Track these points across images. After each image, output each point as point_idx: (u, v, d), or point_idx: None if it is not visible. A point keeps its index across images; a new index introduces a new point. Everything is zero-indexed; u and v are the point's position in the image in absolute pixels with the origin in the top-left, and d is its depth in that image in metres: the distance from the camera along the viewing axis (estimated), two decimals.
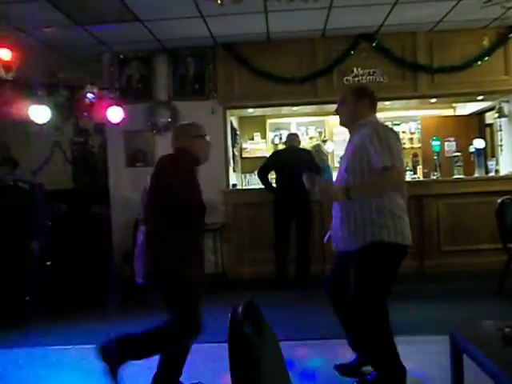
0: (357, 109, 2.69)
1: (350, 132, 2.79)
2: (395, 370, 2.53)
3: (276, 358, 1.24)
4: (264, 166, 5.26)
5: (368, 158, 2.49)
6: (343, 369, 2.83)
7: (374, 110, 2.74)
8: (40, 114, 4.77)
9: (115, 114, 5.23)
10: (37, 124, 4.78)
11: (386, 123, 7.90)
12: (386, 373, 2.54)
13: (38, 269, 4.51)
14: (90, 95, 5.00)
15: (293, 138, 5.41)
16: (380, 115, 7.95)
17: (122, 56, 5.69)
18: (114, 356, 2.45)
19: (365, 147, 2.50)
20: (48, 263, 4.82)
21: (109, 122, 5.29)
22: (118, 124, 5.32)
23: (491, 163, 5.80)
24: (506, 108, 5.83)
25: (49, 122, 4.94)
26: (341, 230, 2.61)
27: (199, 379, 2.83)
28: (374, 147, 2.46)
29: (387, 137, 2.48)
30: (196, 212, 2.47)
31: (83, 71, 6.03)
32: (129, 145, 5.73)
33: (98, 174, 6.05)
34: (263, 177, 5.21)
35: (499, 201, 4.48)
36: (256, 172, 5.43)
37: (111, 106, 5.22)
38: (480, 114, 6.91)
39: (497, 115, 5.92)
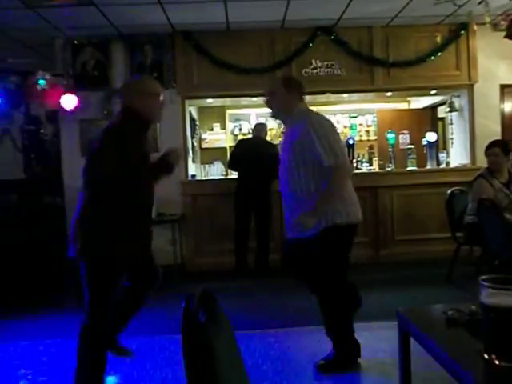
0: (287, 100, 2.73)
1: (284, 124, 2.86)
2: (351, 343, 2.74)
3: (231, 347, 1.24)
4: (233, 157, 5.26)
5: (310, 152, 2.57)
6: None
7: (302, 99, 2.79)
8: None
9: (69, 101, 5.07)
10: None
11: (344, 116, 8.06)
12: (341, 346, 2.72)
13: None
14: (41, 82, 4.82)
15: (259, 128, 5.42)
16: (338, 107, 8.13)
17: (75, 41, 5.48)
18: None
19: (304, 143, 2.58)
20: None
21: (62, 109, 5.12)
22: (71, 112, 5.16)
23: (442, 155, 6.04)
24: (457, 102, 6.07)
25: None
26: (293, 219, 2.66)
27: (154, 370, 2.82)
28: (313, 144, 2.54)
29: (324, 131, 2.57)
30: (125, 187, 2.29)
31: (35, 56, 5.79)
32: (84, 133, 5.55)
33: (51, 164, 5.84)
34: (236, 166, 5.23)
35: (449, 192, 4.67)
36: (218, 165, 5.44)
37: (64, 93, 5.05)
38: (433, 107, 7.16)
39: (448, 109, 6.15)
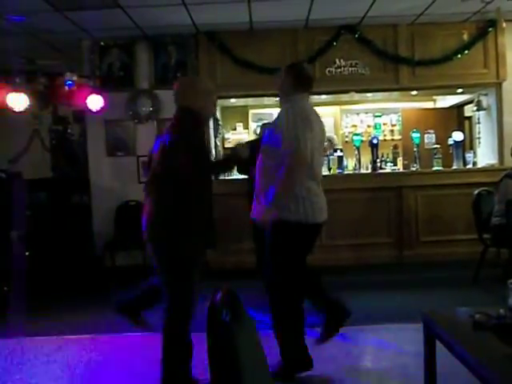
0: (282, 85, 2.76)
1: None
2: (295, 353, 2.64)
3: (255, 346, 1.25)
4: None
5: (274, 139, 2.60)
6: None
7: (300, 89, 2.73)
8: (18, 101, 4.68)
9: (95, 102, 5.16)
10: (15, 112, 4.69)
11: (368, 115, 7.97)
12: (285, 354, 2.64)
13: (16, 259, 4.44)
14: (69, 83, 4.92)
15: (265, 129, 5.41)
16: (362, 107, 8.05)
17: (102, 43, 5.59)
18: (130, 307, 2.62)
19: (275, 130, 2.62)
20: (27, 253, 4.75)
21: (89, 110, 5.22)
22: (98, 112, 5.26)
23: (469, 155, 5.91)
24: (484, 101, 5.93)
25: (27, 109, 4.85)
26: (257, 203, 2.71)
27: None
28: (277, 131, 2.57)
29: (290, 119, 2.56)
30: (200, 183, 2.45)
31: (62, 58, 5.91)
32: (109, 134, 5.66)
33: (78, 163, 5.97)
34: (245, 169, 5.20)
35: (476, 192, 4.58)
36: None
37: (91, 94, 5.15)
38: (459, 106, 7.02)
39: (475, 108, 6.02)
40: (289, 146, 2.49)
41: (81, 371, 2.97)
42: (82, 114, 5.70)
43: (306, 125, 2.56)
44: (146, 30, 5.43)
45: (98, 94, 5.21)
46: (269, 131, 2.71)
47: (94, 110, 5.19)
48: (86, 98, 5.12)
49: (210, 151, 2.65)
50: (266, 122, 6.00)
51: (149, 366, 2.88)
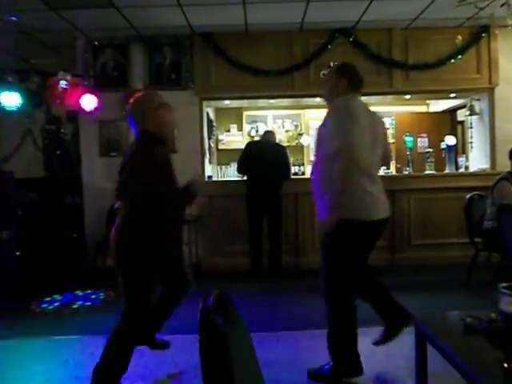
0: (333, 87, 2.72)
1: (327, 108, 2.80)
2: (347, 361, 2.61)
3: (247, 348, 1.25)
4: (242, 160, 5.24)
5: (328, 139, 2.55)
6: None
7: (353, 89, 2.71)
8: (11, 100, 4.65)
9: (89, 101, 5.14)
10: (7, 111, 4.65)
11: None
12: (339, 362, 2.60)
13: (7, 259, 4.40)
14: (62, 82, 4.90)
15: (269, 135, 5.44)
16: None
17: (96, 43, 5.57)
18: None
19: (327, 130, 2.57)
20: (18, 253, 4.72)
21: (82, 110, 5.19)
22: (91, 112, 5.24)
23: (461, 159, 5.95)
24: (477, 106, 5.98)
25: (20, 108, 4.82)
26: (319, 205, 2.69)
27: (172, 370, 2.84)
28: (327, 132, 2.53)
29: (341, 117, 2.52)
30: (162, 199, 2.39)
31: (56, 57, 5.89)
32: (103, 134, 5.63)
33: (71, 163, 5.93)
34: (245, 169, 5.22)
35: (468, 197, 4.61)
36: (235, 166, 5.44)
37: (85, 93, 5.13)
38: (452, 111, 7.07)
39: (468, 113, 6.06)
40: (339, 146, 2.45)
41: (73, 372, 2.94)
42: (76, 114, 5.67)
43: (354, 123, 2.51)
44: (140, 31, 5.42)
45: (91, 93, 5.19)
46: (321, 132, 2.65)
47: (88, 109, 5.17)
48: (79, 98, 5.09)
49: (172, 172, 2.48)
50: (268, 129, 6.03)
51: (144, 365, 2.87)
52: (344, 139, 2.44)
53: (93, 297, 4.53)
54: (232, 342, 1.06)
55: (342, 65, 2.95)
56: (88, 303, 4.36)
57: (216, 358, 1.02)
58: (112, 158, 5.63)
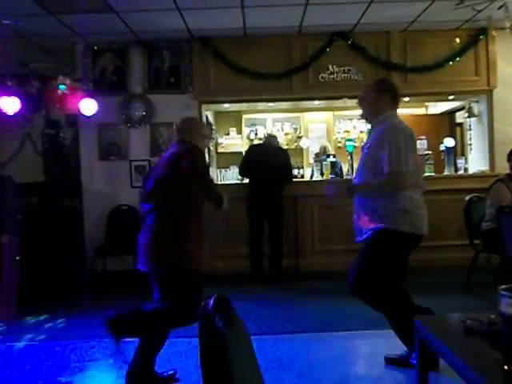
0: (377, 104, 2.71)
1: (371, 126, 2.83)
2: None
3: (247, 351, 1.25)
4: (245, 163, 5.24)
5: (378, 157, 2.58)
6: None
7: (395, 104, 2.75)
8: (10, 104, 4.65)
9: (88, 106, 5.15)
10: (7, 115, 4.66)
11: (361, 121, 7.99)
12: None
13: (7, 263, 4.40)
14: (62, 86, 4.91)
15: (272, 139, 5.46)
16: (354, 112, 8.07)
17: (95, 47, 5.58)
18: (119, 328, 2.58)
19: (377, 147, 2.59)
20: (18, 258, 4.71)
21: (81, 114, 5.20)
22: (90, 116, 5.25)
23: (460, 161, 5.96)
24: (475, 108, 5.99)
25: (19, 113, 4.82)
26: (357, 222, 2.76)
27: (173, 374, 2.83)
28: (383, 149, 2.54)
29: (396, 139, 2.55)
30: (203, 199, 2.71)
31: (55, 62, 5.90)
32: (102, 138, 5.64)
33: (70, 167, 5.93)
34: (248, 173, 5.23)
35: (467, 198, 4.61)
36: (234, 169, 5.44)
37: (84, 97, 5.14)
38: (451, 113, 7.08)
39: (467, 115, 6.08)
40: (396, 167, 2.52)
41: (75, 375, 2.94)
42: (75, 118, 5.67)
43: (411, 145, 2.61)
44: (139, 35, 5.43)
45: (90, 97, 5.20)
46: (372, 145, 2.67)
47: (87, 113, 5.18)
48: (78, 102, 5.10)
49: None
50: (270, 133, 6.04)
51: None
52: (398, 163, 2.51)
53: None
54: (232, 346, 1.06)
55: (381, 81, 2.98)
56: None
57: (216, 361, 1.02)
58: (111, 162, 5.65)
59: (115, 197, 5.57)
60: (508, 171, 4.23)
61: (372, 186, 2.65)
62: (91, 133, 5.61)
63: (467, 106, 6.06)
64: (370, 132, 2.86)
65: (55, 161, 5.82)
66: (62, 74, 5.06)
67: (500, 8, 4.47)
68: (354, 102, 6.72)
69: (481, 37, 5.59)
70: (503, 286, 1.06)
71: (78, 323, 3.96)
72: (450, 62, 5.57)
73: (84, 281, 5.00)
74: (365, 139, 6.89)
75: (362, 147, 2.93)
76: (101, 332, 3.58)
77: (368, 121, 2.85)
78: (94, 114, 5.23)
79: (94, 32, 5.25)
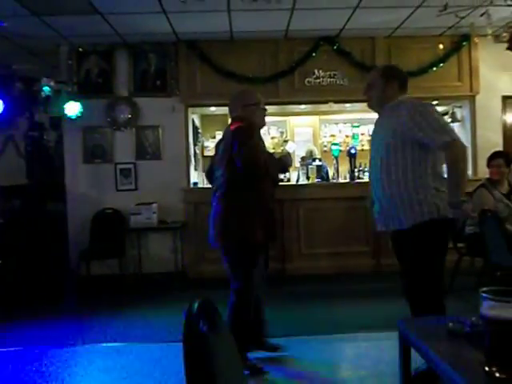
0: (386, 91, 2.60)
1: (379, 115, 2.69)
2: None
3: (231, 355, 1.25)
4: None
5: (411, 139, 2.40)
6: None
7: (404, 90, 2.64)
8: None
9: (72, 108, 5.11)
10: None
11: (346, 125, 8.05)
12: None
13: None
14: (46, 88, 4.85)
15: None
16: (340, 117, 8.12)
17: (80, 49, 5.54)
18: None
19: (407, 129, 2.40)
20: (0, 261, 4.64)
21: (66, 116, 5.15)
22: (75, 119, 5.20)
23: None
24: (458, 113, 6.08)
25: (2, 115, 4.75)
26: (391, 209, 2.54)
27: (155, 378, 2.81)
28: (418, 127, 2.37)
29: (429, 112, 2.42)
30: (261, 175, 2.76)
31: (40, 63, 5.84)
32: (87, 140, 5.59)
33: (54, 170, 5.86)
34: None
35: None
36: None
37: (68, 100, 5.09)
38: None
39: (450, 120, 6.15)
40: (452, 136, 2.34)
41: (56, 382, 2.89)
42: (59, 121, 5.61)
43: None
44: (125, 37, 5.40)
45: (75, 100, 5.15)
46: (400, 128, 2.45)
47: (72, 116, 5.13)
48: (63, 104, 5.05)
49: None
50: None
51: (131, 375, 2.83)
52: (451, 130, 2.38)
53: None
54: (216, 350, 1.06)
55: (387, 67, 2.89)
56: None
57: (200, 365, 1.01)
58: (96, 165, 5.60)
59: (100, 200, 5.51)
60: (488, 176, 4.29)
61: (454, 174, 2.39)
62: (76, 135, 5.55)
63: (450, 112, 6.14)
64: (377, 123, 2.68)
65: (39, 163, 5.74)
66: (47, 76, 5.01)
67: (482, 15, 4.55)
68: (340, 106, 6.82)
69: (464, 43, 5.68)
70: (484, 289, 1.07)
71: (60, 328, 3.90)
72: (434, 68, 5.66)
73: (67, 285, 4.94)
74: (351, 143, 6.95)
75: (372, 140, 2.74)
76: (84, 337, 3.56)
77: (376, 109, 2.70)
78: (79, 117, 5.18)
79: (79, 34, 5.21)
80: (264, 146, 3.01)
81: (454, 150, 2.38)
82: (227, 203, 2.79)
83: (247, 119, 2.85)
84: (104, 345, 3.44)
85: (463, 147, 2.43)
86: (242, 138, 2.72)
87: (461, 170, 2.42)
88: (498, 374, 1.04)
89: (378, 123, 2.70)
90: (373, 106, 2.74)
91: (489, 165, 4.27)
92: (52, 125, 6.01)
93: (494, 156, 4.25)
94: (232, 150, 2.73)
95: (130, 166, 5.59)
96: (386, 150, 2.51)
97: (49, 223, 5.32)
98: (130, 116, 5.58)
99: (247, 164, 2.67)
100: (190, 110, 5.89)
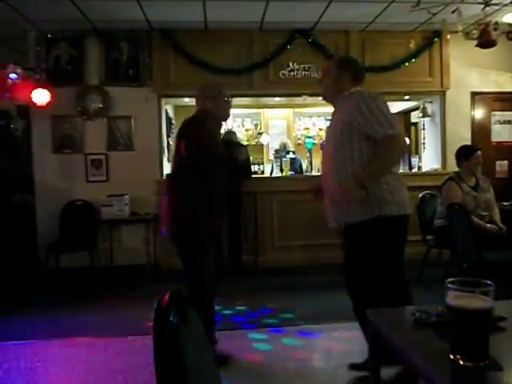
0: (338, 81, 2.55)
1: (334, 107, 2.64)
2: None
3: (202, 348, 1.24)
4: None
5: (357, 130, 2.37)
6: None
7: (358, 83, 2.57)
8: None
9: (41, 96, 4.96)
10: None
11: (320, 118, 8.11)
12: None
13: None
14: (13, 75, 4.69)
15: (231, 135, 5.44)
16: (314, 110, 8.16)
17: (49, 35, 5.37)
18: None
19: (353, 120, 2.37)
20: None
21: (34, 104, 5.00)
22: (44, 107, 5.05)
23: (415, 160, 6.16)
24: (429, 108, 6.21)
25: None
26: (341, 203, 2.48)
27: (126, 372, 2.78)
28: (363, 118, 2.34)
29: (377, 104, 2.38)
30: (213, 164, 2.81)
31: (6, 49, 5.62)
32: (56, 130, 5.44)
33: (22, 160, 5.68)
34: None
35: (420, 195, 4.77)
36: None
37: (37, 87, 4.94)
38: (406, 113, 7.30)
39: (421, 115, 6.29)
40: (394, 130, 2.30)
41: (28, 377, 2.83)
42: (27, 109, 5.44)
43: (387, 105, 2.42)
44: (96, 24, 5.27)
45: (44, 88, 5.00)
46: (345, 118, 2.41)
47: (40, 104, 4.98)
48: (31, 92, 4.90)
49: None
50: (230, 129, 6.01)
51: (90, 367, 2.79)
52: (395, 125, 2.33)
53: None
54: (187, 342, 1.05)
55: (343, 58, 2.88)
56: None
57: (170, 358, 1.01)
58: (66, 155, 5.46)
59: (70, 192, 5.40)
60: (457, 169, 4.39)
61: (378, 163, 2.33)
62: (44, 124, 5.40)
63: (421, 107, 6.26)
64: (332, 115, 2.65)
65: (5, 153, 5.56)
66: (13, 62, 4.84)
67: (453, 12, 4.64)
68: (315, 99, 6.85)
69: (435, 39, 5.79)
70: (450, 279, 1.10)
71: (27, 322, 3.81)
72: (406, 63, 5.74)
73: (36, 279, 4.83)
74: (324, 137, 7.00)
75: (327, 131, 2.72)
76: (52, 331, 3.48)
77: (328, 100, 2.65)
78: (48, 105, 5.04)
79: (48, 19, 5.04)
80: (220, 138, 3.11)
81: (394, 143, 2.33)
82: (174, 191, 2.84)
83: (209, 111, 2.92)
84: (73, 338, 3.39)
85: (404, 144, 2.47)
86: (190, 128, 2.79)
87: (390, 163, 2.39)
88: (461, 362, 1.07)
89: (332, 116, 2.68)
90: (325, 97, 2.68)
91: (469, 158, 4.25)
92: (19, 113, 5.81)
93: (474, 150, 4.27)
94: (179, 138, 2.80)
95: (101, 156, 5.48)
96: (334, 142, 2.48)
97: (16, 215, 5.18)
98: (101, 105, 5.46)
99: (191, 153, 2.70)
100: (164, 100, 5.81)
